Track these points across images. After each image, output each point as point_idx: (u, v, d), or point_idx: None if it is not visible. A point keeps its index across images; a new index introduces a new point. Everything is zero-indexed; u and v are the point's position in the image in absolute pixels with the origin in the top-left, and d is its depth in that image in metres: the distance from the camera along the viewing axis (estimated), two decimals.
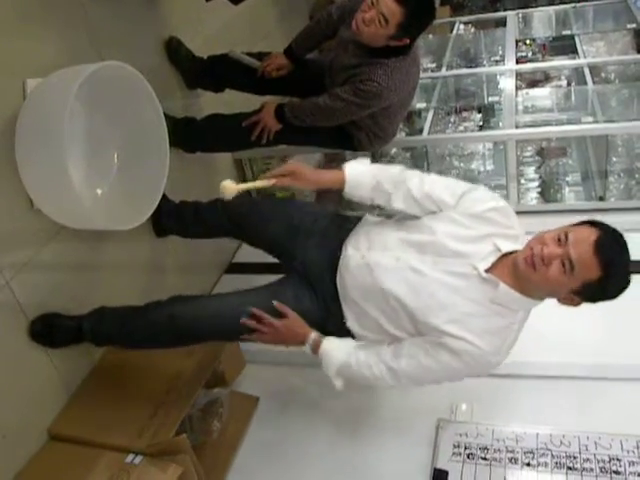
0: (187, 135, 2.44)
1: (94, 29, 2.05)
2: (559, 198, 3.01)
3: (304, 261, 1.76)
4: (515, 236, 1.54)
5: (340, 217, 1.88)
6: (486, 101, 3.36)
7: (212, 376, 2.00)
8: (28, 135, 1.65)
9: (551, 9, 4.30)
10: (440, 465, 1.82)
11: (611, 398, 1.90)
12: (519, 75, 3.41)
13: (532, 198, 3.01)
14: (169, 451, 1.68)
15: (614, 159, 2.86)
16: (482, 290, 1.48)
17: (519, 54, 3.68)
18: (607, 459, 1.75)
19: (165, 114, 1.91)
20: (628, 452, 1.75)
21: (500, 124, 3.06)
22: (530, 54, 3.77)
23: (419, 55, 2.28)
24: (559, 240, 1.37)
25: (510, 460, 1.80)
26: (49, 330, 1.83)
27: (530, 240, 1.45)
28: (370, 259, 1.62)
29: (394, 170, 1.67)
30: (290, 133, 2.36)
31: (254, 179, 1.68)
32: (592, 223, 1.41)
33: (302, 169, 1.67)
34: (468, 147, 3.18)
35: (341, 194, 1.70)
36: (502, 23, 4.07)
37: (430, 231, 1.57)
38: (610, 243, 1.37)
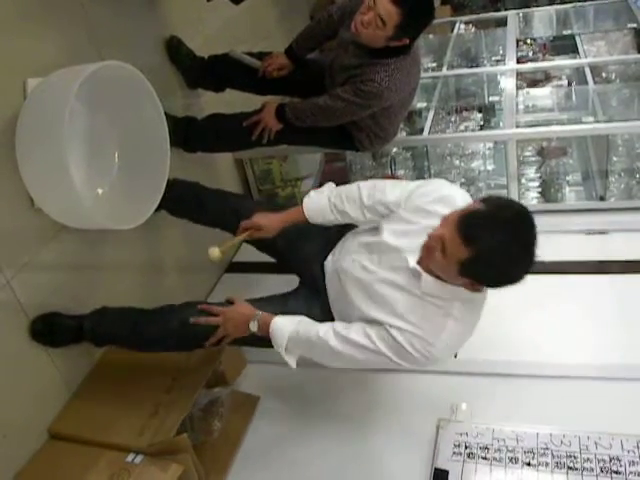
0: (188, 135, 2.44)
1: (94, 28, 2.05)
2: (559, 198, 3.02)
3: (312, 273, 1.85)
4: None
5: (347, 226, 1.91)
6: (487, 101, 3.37)
7: (213, 376, 2.00)
8: (29, 134, 1.65)
9: (552, 9, 4.29)
10: (440, 465, 1.82)
11: (611, 398, 1.90)
12: (520, 75, 3.41)
13: (533, 198, 3.01)
14: (170, 450, 1.68)
15: (615, 159, 2.86)
16: (414, 282, 1.52)
17: (520, 54, 3.68)
18: (607, 459, 1.74)
19: (166, 114, 1.91)
20: (628, 452, 1.74)
21: (501, 124, 3.06)
22: (531, 54, 3.77)
23: (420, 55, 2.28)
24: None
25: (510, 460, 1.79)
26: (50, 329, 1.83)
27: None
28: (337, 265, 1.76)
29: (350, 187, 1.76)
30: (291, 133, 2.36)
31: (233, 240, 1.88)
32: (484, 199, 1.37)
33: (262, 223, 1.78)
34: (469, 147, 3.18)
35: None
36: (503, 23, 4.06)
37: (379, 231, 1.66)
38: (484, 220, 1.31)
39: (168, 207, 2.14)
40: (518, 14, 4.18)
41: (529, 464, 1.77)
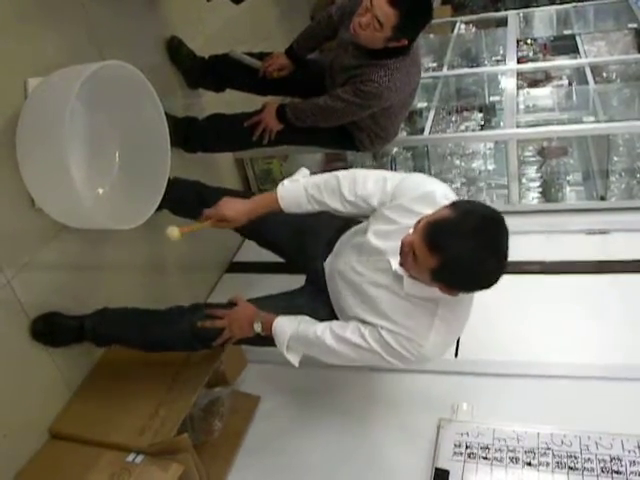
0: (188, 135, 2.44)
1: (95, 28, 2.05)
2: (560, 198, 3.01)
3: (317, 270, 1.85)
4: None
5: (350, 224, 1.90)
6: (487, 101, 3.37)
7: (213, 375, 2.00)
8: (29, 134, 1.65)
9: (552, 9, 4.29)
10: (441, 464, 1.81)
11: (612, 398, 1.90)
12: (520, 75, 3.41)
13: (533, 198, 3.01)
14: (170, 450, 1.68)
15: (615, 159, 2.86)
16: (398, 284, 1.52)
17: (520, 54, 3.68)
18: (608, 459, 1.74)
19: (166, 114, 1.91)
20: (629, 452, 1.74)
21: (501, 124, 3.06)
22: (531, 54, 3.77)
23: (419, 55, 2.28)
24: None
25: (511, 460, 1.79)
26: (50, 329, 1.83)
27: None
28: (334, 266, 1.76)
29: (328, 179, 1.67)
30: (291, 133, 2.36)
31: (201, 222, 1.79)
32: (453, 204, 1.35)
33: (228, 215, 1.71)
34: (469, 147, 3.18)
35: None
36: (503, 23, 4.06)
37: (365, 232, 1.65)
38: (449, 228, 1.29)
39: (170, 207, 2.14)
40: (518, 14, 4.18)
41: (530, 464, 1.77)
